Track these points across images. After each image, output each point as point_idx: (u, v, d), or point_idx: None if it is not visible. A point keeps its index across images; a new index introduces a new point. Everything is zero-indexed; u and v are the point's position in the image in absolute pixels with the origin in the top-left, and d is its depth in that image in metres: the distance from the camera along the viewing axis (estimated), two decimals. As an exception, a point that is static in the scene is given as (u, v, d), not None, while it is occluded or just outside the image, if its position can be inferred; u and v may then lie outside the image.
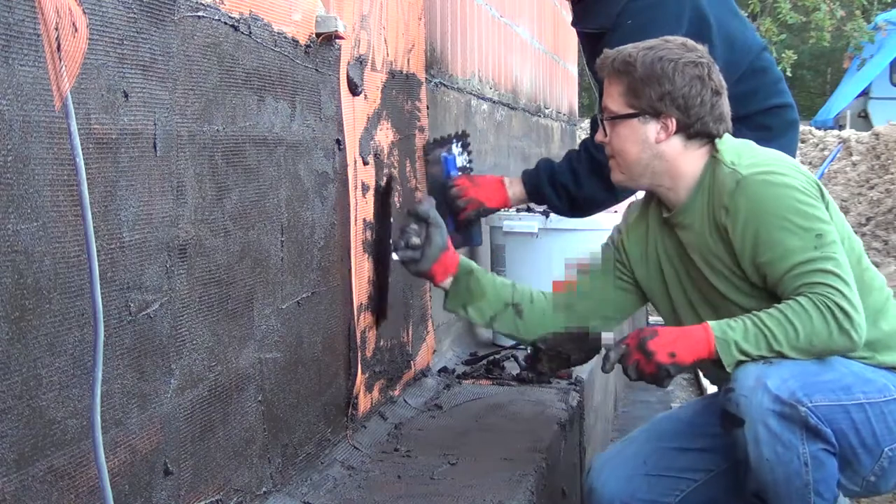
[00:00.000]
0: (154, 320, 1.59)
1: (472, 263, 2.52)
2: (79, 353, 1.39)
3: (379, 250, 2.69)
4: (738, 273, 2.26)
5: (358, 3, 2.52)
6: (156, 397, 1.60)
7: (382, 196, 2.71)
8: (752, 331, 2.16)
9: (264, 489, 2.03)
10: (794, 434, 2.15)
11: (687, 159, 2.30)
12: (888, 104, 14.64)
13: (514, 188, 2.98)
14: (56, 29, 1.30)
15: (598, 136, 2.37)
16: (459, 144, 3.01)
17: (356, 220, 2.53)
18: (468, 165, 3.03)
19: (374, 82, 2.67)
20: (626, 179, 2.37)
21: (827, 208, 2.23)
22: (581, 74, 8.29)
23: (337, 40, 2.33)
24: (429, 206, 2.48)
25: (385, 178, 2.74)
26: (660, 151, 2.29)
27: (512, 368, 3.47)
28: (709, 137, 2.29)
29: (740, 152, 2.28)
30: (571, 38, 7.49)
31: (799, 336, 2.14)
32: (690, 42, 2.32)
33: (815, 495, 2.19)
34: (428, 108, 3.22)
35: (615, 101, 2.31)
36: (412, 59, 3.03)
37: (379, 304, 2.72)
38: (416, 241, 2.43)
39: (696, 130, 2.27)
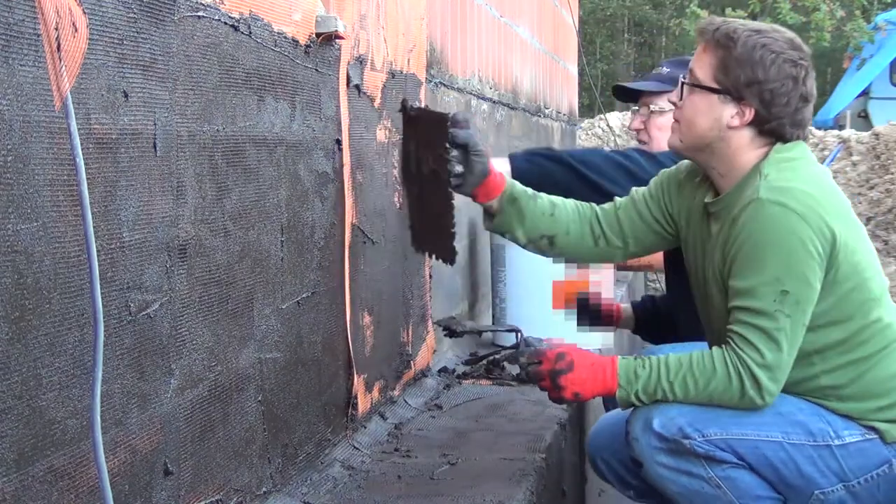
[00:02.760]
0: (154, 320, 1.59)
1: (518, 189, 2.47)
2: (79, 353, 1.39)
3: (432, 187, 2.48)
4: (719, 282, 2.26)
5: (358, 3, 2.52)
6: (156, 397, 1.60)
7: (431, 127, 2.45)
8: (653, 383, 2.21)
9: (264, 489, 2.03)
10: (692, 463, 2.20)
11: (748, 153, 2.24)
12: (888, 104, 14.62)
13: (500, 166, 2.88)
14: (56, 29, 1.30)
15: (633, 124, 2.28)
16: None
17: (351, 220, 2.53)
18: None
19: (374, 82, 2.66)
20: (683, 148, 2.31)
21: (833, 265, 2.14)
22: (581, 74, 8.29)
23: (337, 40, 2.33)
24: (466, 132, 2.38)
25: (428, 109, 2.66)
26: (728, 135, 2.22)
27: (512, 368, 3.47)
28: (780, 139, 2.23)
29: (782, 167, 2.20)
30: (571, 38, 7.50)
31: (700, 395, 2.18)
32: (798, 40, 2.25)
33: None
34: (428, 106, 3.22)
35: (703, 70, 2.23)
36: (412, 59, 3.03)
37: (445, 247, 2.51)
38: (458, 168, 2.36)
39: (771, 128, 2.21)
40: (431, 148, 2.42)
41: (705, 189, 2.36)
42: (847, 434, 2.21)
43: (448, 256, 2.49)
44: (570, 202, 2.55)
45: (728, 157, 2.25)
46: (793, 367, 2.17)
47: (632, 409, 2.29)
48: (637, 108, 3.18)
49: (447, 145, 2.34)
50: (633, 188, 2.56)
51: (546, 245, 2.50)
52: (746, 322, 2.13)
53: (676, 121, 2.31)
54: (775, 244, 2.11)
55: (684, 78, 2.29)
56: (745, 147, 2.23)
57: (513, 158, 2.85)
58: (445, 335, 2.65)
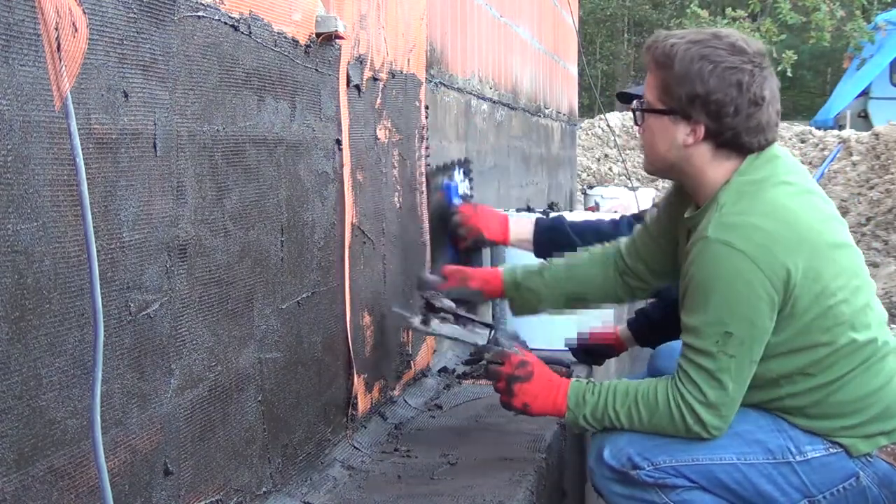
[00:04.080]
0: (154, 320, 1.59)
1: (516, 275, 2.62)
2: (79, 353, 1.39)
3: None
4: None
5: (358, 3, 2.52)
6: (156, 397, 1.60)
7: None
8: (600, 410, 2.23)
9: (264, 489, 2.03)
10: (646, 491, 2.22)
11: (714, 169, 2.17)
12: (888, 104, 14.64)
13: (520, 225, 2.94)
14: (56, 29, 1.30)
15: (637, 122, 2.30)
16: (462, 171, 3.00)
17: (351, 220, 2.53)
18: (469, 193, 3.02)
19: (374, 82, 2.66)
20: (654, 171, 2.31)
21: (790, 294, 2.07)
22: (581, 74, 8.29)
23: (337, 40, 2.33)
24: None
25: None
26: (687, 155, 2.17)
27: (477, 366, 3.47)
28: (742, 149, 2.16)
29: (741, 194, 2.13)
30: (571, 38, 7.50)
31: (644, 425, 2.19)
32: (742, 43, 2.15)
33: None
34: (428, 108, 3.22)
35: (651, 92, 2.19)
36: (412, 59, 3.03)
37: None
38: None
39: (727, 140, 2.13)
40: None
41: (688, 202, 2.36)
42: (810, 449, 2.18)
43: None
44: (595, 251, 2.64)
45: (694, 174, 2.21)
46: (759, 389, 2.16)
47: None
48: (636, 102, 3.18)
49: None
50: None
51: (578, 302, 2.63)
52: (691, 360, 2.13)
53: (642, 146, 2.31)
54: (718, 286, 2.07)
55: (640, 103, 2.25)
56: (708, 163, 2.18)
57: (537, 225, 2.92)
58: (422, 306, 2.70)
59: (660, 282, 2.60)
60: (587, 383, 2.27)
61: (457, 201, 2.93)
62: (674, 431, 2.17)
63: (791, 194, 2.16)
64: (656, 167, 2.29)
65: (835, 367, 2.15)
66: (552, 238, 2.91)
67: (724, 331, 2.07)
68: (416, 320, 2.60)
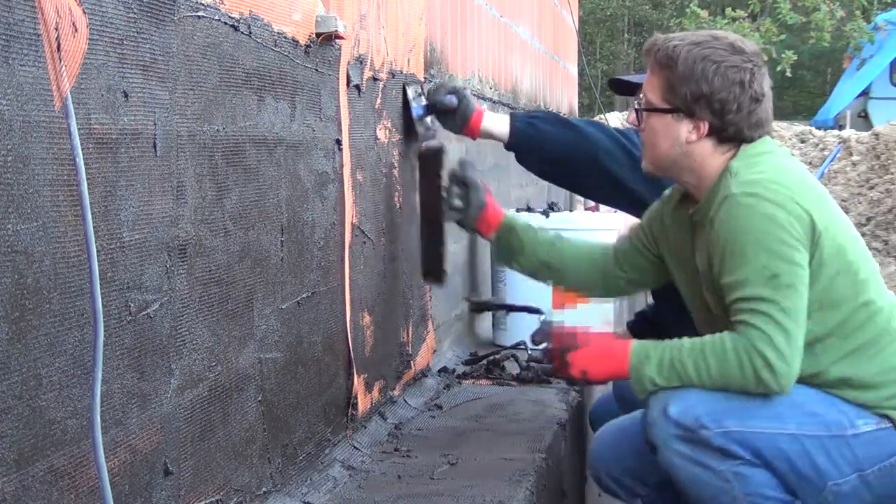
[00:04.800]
0: (154, 320, 1.59)
1: (516, 219, 2.66)
2: (79, 353, 1.39)
3: (430, 213, 2.81)
4: (712, 281, 2.26)
5: (358, 3, 2.52)
6: (156, 397, 1.60)
7: (430, 159, 2.79)
8: (666, 365, 2.20)
9: (264, 489, 2.03)
10: (706, 455, 2.19)
11: (715, 160, 2.27)
12: (888, 104, 14.63)
13: (494, 118, 2.84)
14: (56, 29, 1.30)
15: (631, 119, 2.36)
16: (415, 89, 2.95)
17: (351, 220, 2.53)
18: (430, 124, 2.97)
19: (374, 82, 2.66)
20: (654, 169, 2.37)
21: (812, 247, 2.16)
22: (581, 74, 8.29)
23: (337, 40, 2.33)
24: (466, 168, 2.63)
25: (429, 146, 2.83)
26: (689, 150, 2.27)
27: (512, 368, 3.47)
28: (741, 142, 2.26)
29: (750, 163, 2.23)
30: (571, 38, 7.50)
31: (712, 377, 2.17)
32: (740, 43, 2.26)
33: None
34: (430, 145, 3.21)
35: (653, 92, 2.28)
36: (412, 59, 3.03)
37: (438, 267, 2.86)
38: (458, 203, 2.64)
39: (729, 135, 2.24)
40: (431, 178, 2.75)
41: (687, 204, 2.40)
42: (862, 423, 2.22)
43: (439, 280, 2.88)
44: (590, 244, 2.69)
45: (695, 169, 2.30)
46: (801, 364, 2.17)
47: (642, 409, 2.30)
48: (636, 102, 3.17)
49: (441, 173, 2.65)
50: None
51: (550, 274, 2.65)
52: (747, 310, 2.14)
53: (643, 144, 2.36)
54: (754, 234, 2.14)
55: (638, 103, 2.34)
56: (709, 156, 2.27)
57: (514, 118, 2.87)
58: (473, 310, 2.80)
59: (636, 284, 2.67)
60: (646, 341, 2.25)
61: (418, 113, 2.88)
62: (742, 382, 2.14)
63: (795, 166, 2.30)
64: (657, 165, 2.35)
65: (865, 327, 2.22)
66: (526, 132, 2.83)
67: (771, 274, 2.12)
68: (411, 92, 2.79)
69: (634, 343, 2.25)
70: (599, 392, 3.76)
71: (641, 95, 2.33)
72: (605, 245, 2.67)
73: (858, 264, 2.24)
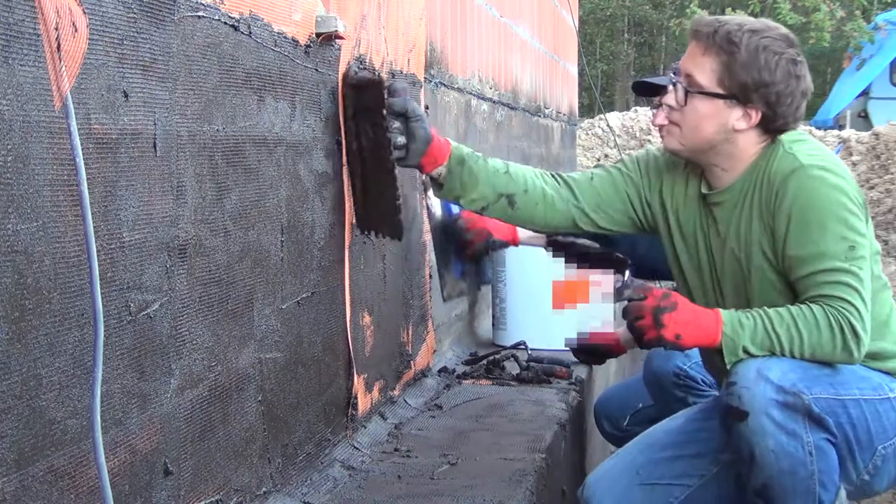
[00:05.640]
0: (154, 320, 1.59)
1: (465, 151, 2.37)
2: (79, 353, 1.39)
3: (374, 158, 2.38)
4: (769, 259, 2.25)
5: (358, 3, 2.52)
6: (156, 397, 1.60)
7: (366, 93, 2.33)
8: (760, 333, 2.18)
9: (264, 489, 2.03)
10: (798, 423, 2.16)
11: (752, 149, 2.28)
12: (888, 104, 14.63)
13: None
14: (56, 29, 1.30)
15: (668, 99, 2.25)
16: None
17: (351, 220, 2.53)
18: None
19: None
20: (683, 150, 2.31)
21: (866, 221, 2.24)
22: (581, 74, 8.29)
23: (337, 40, 2.33)
24: (404, 100, 2.27)
25: (362, 77, 2.41)
26: (733, 138, 2.25)
27: (512, 368, 3.47)
28: (780, 133, 2.27)
29: (801, 140, 2.27)
30: (571, 39, 7.50)
31: (804, 345, 2.16)
32: (791, 35, 2.27)
33: (819, 486, 2.20)
34: (428, 108, 3.22)
35: (705, 74, 2.23)
36: (412, 59, 3.03)
37: (393, 218, 2.44)
38: (401, 140, 2.27)
39: (776, 127, 2.25)
40: (370, 118, 2.31)
41: (695, 179, 2.37)
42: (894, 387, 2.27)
43: (396, 233, 2.44)
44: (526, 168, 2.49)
45: (734, 155, 2.28)
46: None
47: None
48: (659, 103, 3.18)
49: (384, 113, 2.23)
50: (614, 164, 2.53)
51: (505, 205, 2.38)
52: (830, 282, 2.16)
53: (675, 124, 2.28)
54: (829, 206, 2.17)
55: (676, 81, 2.27)
56: (751, 145, 2.27)
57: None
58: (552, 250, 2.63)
59: (596, 226, 2.48)
60: (736, 310, 2.22)
61: (455, 209, 2.86)
62: (829, 352, 2.16)
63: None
64: (691, 147, 2.29)
65: (882, 302, 2.29)
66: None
67: (848, 245, 2.16)
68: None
69: (724, 312, 2.21)
70: (600, 389, 3.76)
71: (682, 75, 2.26)
72: (570, 180, 2.47)
73: (875, 245, 2.30)
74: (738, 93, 2.21)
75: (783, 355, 2.17)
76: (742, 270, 2.30)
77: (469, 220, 2.81)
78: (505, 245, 2.92)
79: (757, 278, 2.28)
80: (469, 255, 2.81)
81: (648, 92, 3.25)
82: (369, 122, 2.33)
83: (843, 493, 2.32)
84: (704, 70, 2.23)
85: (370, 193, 2.45)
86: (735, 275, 2.32)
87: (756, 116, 2.22)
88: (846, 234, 2.16)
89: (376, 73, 2.32)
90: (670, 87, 2.28)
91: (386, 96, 2.27)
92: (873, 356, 2.27)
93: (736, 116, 2.23)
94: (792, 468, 2.17)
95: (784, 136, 2.28)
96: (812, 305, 2.17)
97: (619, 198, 2.46)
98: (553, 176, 2.47)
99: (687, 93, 2.25)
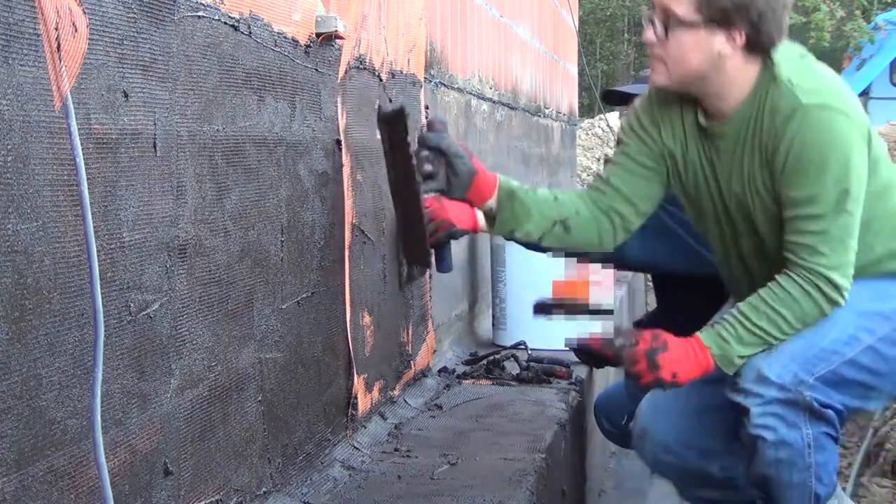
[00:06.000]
0: (154, 320, 1.59)
1: (514, 184, 2.39)
2: (79, 353, 1.39)
3: (403, 189, 2.36)
4: (770, 193, 2.23)
5: (358, 3, 2.52)
6: (156, 397, 1.60)
7: (392, 125, 2.30)
8: (745, 336, 2.19)
9: (264, 489, 2.03)
10: (799, 416, 2.20)
11: (745, 74, 2.22)
12: (888, 104, 14.62)
13: None
14: (56, 29, 1.30)
15: (648, 36, 2.22)
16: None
17: (351, 220, 2.53)
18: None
19: (373, 82, 2.66)
20: (672, 85, 2.27)
21: (870, 145, 2.21)
22: (581, 74, 8.29)
23: (337, 40, 2.33)
24: (439, 134, 2.28)
25: (387, 109, 2.37)
26: (721, 63, 2.20)
27: (512, 368, 3.47)
28: (767, 52, 2.22)
29: (799, 69, 2.22)
30: (571, 39, 7.49)
31: (790, 322, 2.18)
32: None
33: (815, 480, 2.23)
34: (428, 107, 3.22)
35: (682, 5, 2.18)
36: (412, 59, 3.03)
37: (422, 248, 2.41)
38: (428, 168, 2.26)
39: (762, 46, 2.20)
40: (400, 149, 2.28)
41: (691, 111, 2.33)
42: None
43: (424, 262, 2.43)
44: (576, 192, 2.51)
45: (725, 81, 2.23)
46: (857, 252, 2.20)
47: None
48: (649, 18, 3.15)
49: (407, 139, 2.21)
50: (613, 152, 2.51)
51: (562, 232, 2.39)
52: (810, 231, 2.16)
53: (660, 60, 2.24)
54: (831, 148, 2.14)
55: (653, 16, 2.22)
56: (741, 68, 2.22)
57: None
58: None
59: (646, 214, 2.46)
60: (712, 327, 2.23)
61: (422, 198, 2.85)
62: (817, 313, 2.17)
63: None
64: (679, 80, 2.25)
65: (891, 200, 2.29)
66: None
67: (843, 188, 2.14)
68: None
69: (702, 335, 2.22)
70: (600, 389, 3.76)
71: (658, 10, 2.22)
72: (597, 187, 2.47)
73: (882, 144, 2.28)
74: (718, 18, 2.16)
75: (777, 341, 2.18)
76: (748, 203, 2.28)
77: (432, 210, 2.76)
78: (466, 233, 2.89)
79: (760, 211, 2.26)
80: (431, 244, 2.80)
81: (619, 101, 3.23)
82: (400, 154, 2.30)
83: (840, 491, 2.32)
84: (681, 1, 2.18)
85: (403, 222, 2.46)
86: (742, 206, 2.30)
87: (741, 38, 2.17)
88: (842, 179, 2.14)
89: (401, 106, 2.29)
90: (647, 24, 2.24)
91: (424, 130, 2.30)
92: (892, 255, 2.27)
93: (720, 42, 2.18)
94: (790, 459, 2.20)
95: (780, 61, 2.21)
96: (781, 279, 2.17)
97: (642, 175, 2.41)
98: (585, 193, 2.47)
99: (666, 27, 2.20)
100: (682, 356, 2.22)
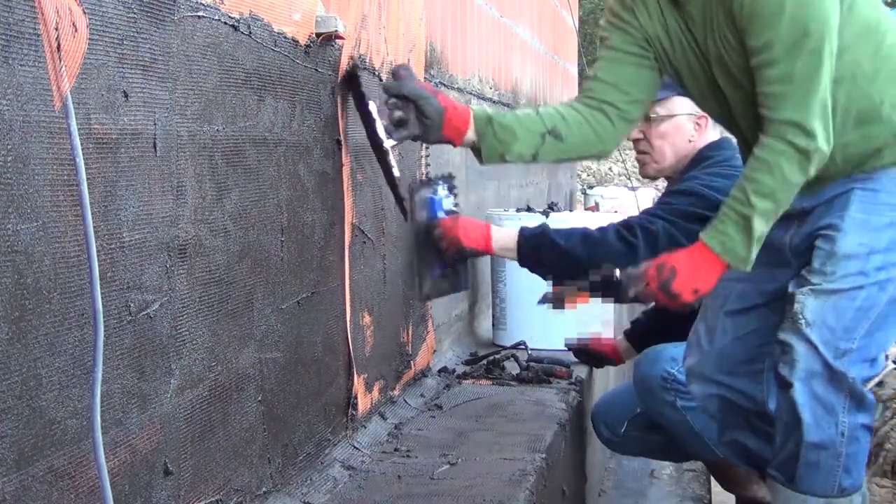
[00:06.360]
0: (154, 320, 1.59)
1: (488, 111, 2.36)
2: (79, 353, 1.39)
3: (375, 148, 2.41)
4: (738, 50, 2.19)
5: (358, 3, 2.52)
6: (156, 397, 1.60)
7: (350, 81, 2.38)
8: (742, 222, 2.14)
9: (264, 489, 2.03)
10: (838, 400, 2.21)
11: None
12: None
13: (502, 234, 2.82)
14: (56, 29, 1.30)
15: None
16: (446, 186, 2.91)
17: (351, 220, 2.53)
18: (455, 209, 2.92)
19: (373, 82, 2.66)
20: None
21: None
22: (581, 74, 8.29)
23: (337, 40, 2.33)
24: (401, 81, 2.29)
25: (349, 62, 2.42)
26: None
27: (512, 368, 3.47)
28: None
29: None
30: (571, 38, 7.50)
31: (779, 188, 2.13)
32: None
33: (843, 470, 2.22)
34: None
35: None
36: (412, 59, 3.03)
37: (400, 205, 2.53)
38: (398, 114, 2.28)
39: None
40: (359, 106, 2.34)
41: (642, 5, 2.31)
42: None
43: (403, 214, 2.52)
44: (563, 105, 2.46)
45: None
46: (856, 100, 2.17)
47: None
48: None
49: (364, 96, 2.26)
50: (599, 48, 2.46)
51: (554, 142, 2.35)
52: (773, 78, 2.11)
53: None
54: None
55: None
56: None
57: (521, 237, 2.85)
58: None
59: (633, 104, 2.42)
60: (712, 223, 2.18)
61: (440, 215, 2.85)
62: (804, 171, 2.12)
63: None
64: None
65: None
66: (537, 245, 2.81)
67: (801, 28, 2.07)
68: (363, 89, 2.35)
69: (703, 235, 2.19)
70: (600, 389, 3.76)
71: None
72: (585, 89, 2.44)
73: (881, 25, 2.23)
74: None
75: (773, 214, 2.14)
76: (726, 63, 2.24)
77: (444, 228, 2.76)
78: (476, 254, 2.88)
79: (738, 70, 2.22)
80: (447, 261, 2.81)
81: None
82: (362, 112, 2.36)
83: (865, 490, 2.33)
84: None
85: (388, 181, 2.49)
86: (723, 69, 2.26)
87: None
88: (798, 16, 2.07)
89: (353, 64, 2.33)
90: None
91: (388, 78, 2.31)
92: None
93: None
94: (820, 443, 2.22)
95: None
96: (756, 148, 2.14)
97: (634, 63, 2.38)
98: (579, 102, 2.43)
99: None
100: (693, 272, 2.18)
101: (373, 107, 2.35)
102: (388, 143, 2.35)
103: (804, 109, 2.10)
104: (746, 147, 2.34)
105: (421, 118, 2.29)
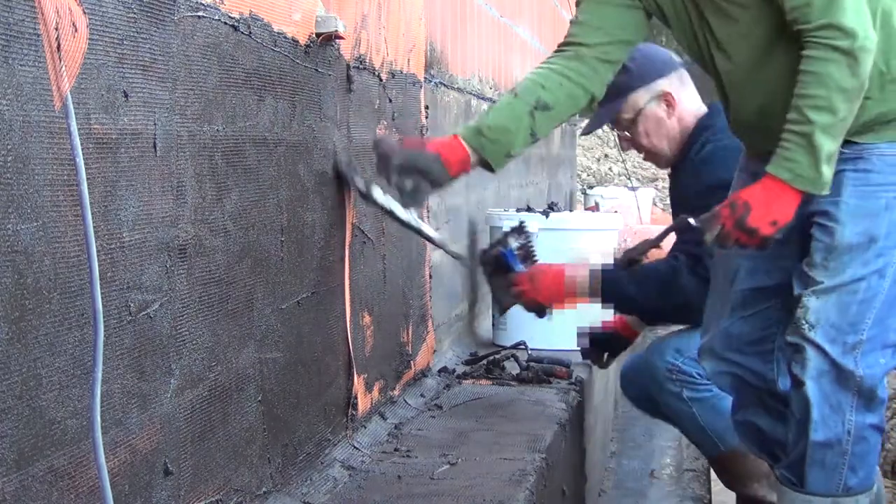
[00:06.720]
0: (154, 320, 1.59)
1: (470, 125, 2.38)
2: (79, 353, 1.39)
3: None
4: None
5: (359, 3, 2.52)
6: (156, 397, 1.60)
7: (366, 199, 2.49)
8: (805, 143, 2.08)
9: (264, 489, 2.03)
10: (846, 399, 2.20)
11: None
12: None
13: (577, 288, 2.93)
14: (56, 29, 1.30)
15: None
16: (517, 236, 2.95)
17: (351, 220, 2.53)
18: (531, 249, 2.95)
19: (373, 82, 2.67)
20: None
21: None
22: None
23: (337, 40, 2.33)
24: (387, 157, 2.34)
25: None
26: None
27: (512, 368, 3.47)
28: None
29: None
30: (571, 38, 7.49)
31: (833, 99, 2.06)
32: None
33: (848, 469, 2.21)
34: (428, 108, 3.22)
35: None
36: (412, 59, 3.03)
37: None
38: (409, 183, 2.33)
39: None
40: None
41: None
42: None
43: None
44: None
45: None
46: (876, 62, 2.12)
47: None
48: (617, 132, 3.20)
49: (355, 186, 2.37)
50: None
51: (545, 114, 2.35)
52: (806, 7, 2.06)
53: None
54: None
55: None
56: None
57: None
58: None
59: (616, 45, 2.40)
60: (774, 155, 2.13)
61: (519, 268, 2.91)
62: (846, 71, 2.06)
63: None
64: None
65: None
66: (611, 301, 2.97)
67: None
68: (360, 182, 2.40)
69: (771, 168, 2.13)
70: (600, 389, 3.76)
71: None
72: (567, 34, 2.43)
73: None
74: None
75: (836, 127, 2.07)
76: (729, 21, 2.22)
77: (522, 291, 2.92)
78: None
79: (746, 19, 2.19)
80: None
81: (597, 127, 3.27)
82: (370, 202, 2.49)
83: (880, 481, 2.32)
84: None
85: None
86: (727, 29, 2.24)
87: None
88: None
89: (334, 161, 2.38)
90: None
91: (377, 161, 2.40)
92: None
93: None
94: (826, 441, 2.21)
95: None
96: (803, 66, 2.09)
97: (618, 5, 2.36)
98: (555, 54, 2.41)
99: None
100: (767, 204, 2.13)
101: (387, 199, 2.45)
102: (412, 215, 2.49)
103: (835, 8, 2.05)
104: (723, 94, 2.33)
105: (427, 174, 2.33)
